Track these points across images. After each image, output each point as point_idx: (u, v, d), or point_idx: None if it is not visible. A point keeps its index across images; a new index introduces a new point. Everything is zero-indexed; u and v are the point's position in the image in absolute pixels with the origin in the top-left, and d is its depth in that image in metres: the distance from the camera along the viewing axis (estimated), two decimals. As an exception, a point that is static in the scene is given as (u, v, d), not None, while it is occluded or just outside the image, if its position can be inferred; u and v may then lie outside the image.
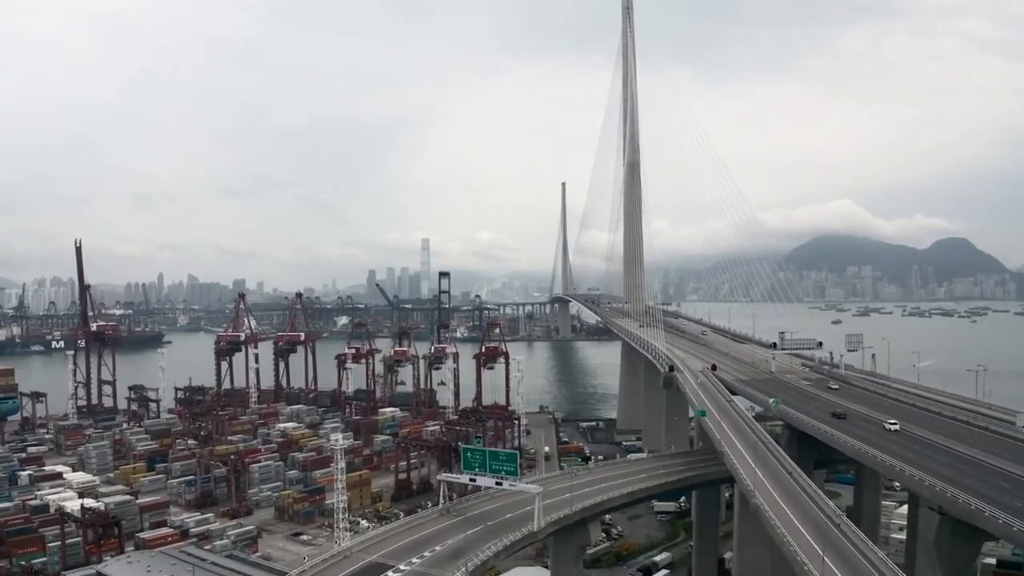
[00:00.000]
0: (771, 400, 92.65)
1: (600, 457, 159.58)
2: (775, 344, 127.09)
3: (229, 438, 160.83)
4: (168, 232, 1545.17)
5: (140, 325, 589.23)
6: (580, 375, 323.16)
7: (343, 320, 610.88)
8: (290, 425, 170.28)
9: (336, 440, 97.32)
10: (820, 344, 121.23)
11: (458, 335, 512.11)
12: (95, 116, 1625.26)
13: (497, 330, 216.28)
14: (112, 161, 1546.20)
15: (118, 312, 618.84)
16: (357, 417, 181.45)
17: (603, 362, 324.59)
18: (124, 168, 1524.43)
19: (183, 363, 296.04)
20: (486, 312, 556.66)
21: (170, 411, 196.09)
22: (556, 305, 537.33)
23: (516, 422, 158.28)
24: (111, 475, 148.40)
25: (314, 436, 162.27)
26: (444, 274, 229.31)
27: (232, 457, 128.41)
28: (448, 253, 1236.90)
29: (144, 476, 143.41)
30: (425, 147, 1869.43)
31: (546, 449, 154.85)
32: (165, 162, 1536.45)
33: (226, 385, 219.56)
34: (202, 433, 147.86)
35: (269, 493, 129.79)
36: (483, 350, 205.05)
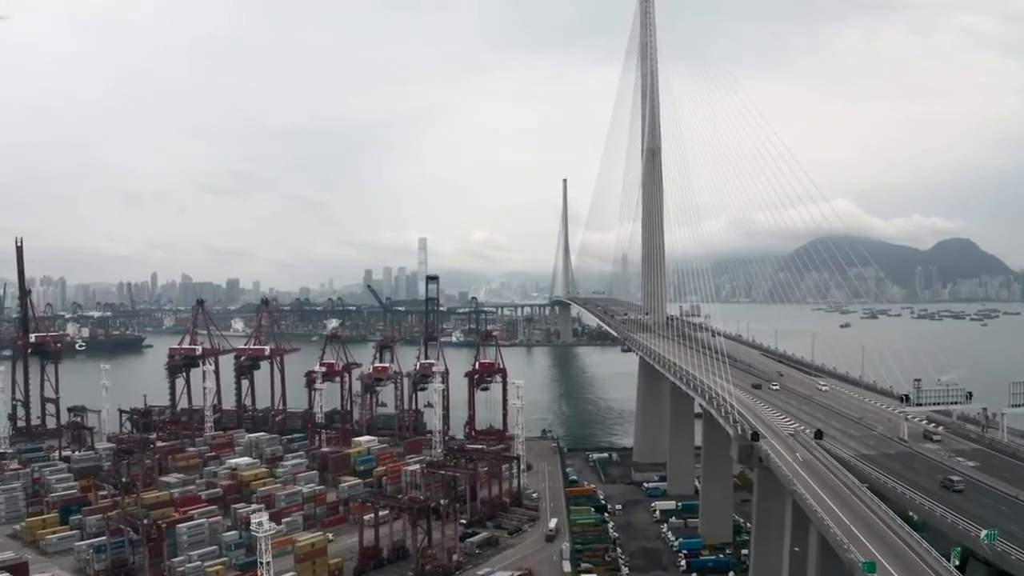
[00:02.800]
0: (982, 534, 52.78)
1: (619, 507, 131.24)
2: (907, 397, 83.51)
3: (165, 479, 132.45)
4: (161, 231, 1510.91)
5: (119, 328, 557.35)
6: (585, 387, 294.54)
7: (333, 323, 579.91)
8: (243, 461, 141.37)
9: (259, 523, 69.26)
10: (970, 396, 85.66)
11: (453, 340, 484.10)
12: (83, 114, 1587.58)
13: (493, 339, 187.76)
14: (102, 159, 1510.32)
15: (96, 315, 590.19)
16: (326, 449, 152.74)
17: (610, 372, 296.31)
18: (114, 166, 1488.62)
19: (149, 375, 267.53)
20: (483, 315, 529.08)
21: (110, 439, 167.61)
22: (556, 307, 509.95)
23: (516, 461, 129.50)
24: (18, 527, 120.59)
25: (270, 476, 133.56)
26: (432, 278, 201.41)
27: (143, 522, 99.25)
28: (442, 253, 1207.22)
29: (53, 532, 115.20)
30: (415, 146, 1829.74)
31: (552, 524, 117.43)
32: (155, 161, 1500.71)
33: (184, 405, 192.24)
34: (123, 478, 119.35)
35: (199, 562, 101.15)
36: (476, 367, 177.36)
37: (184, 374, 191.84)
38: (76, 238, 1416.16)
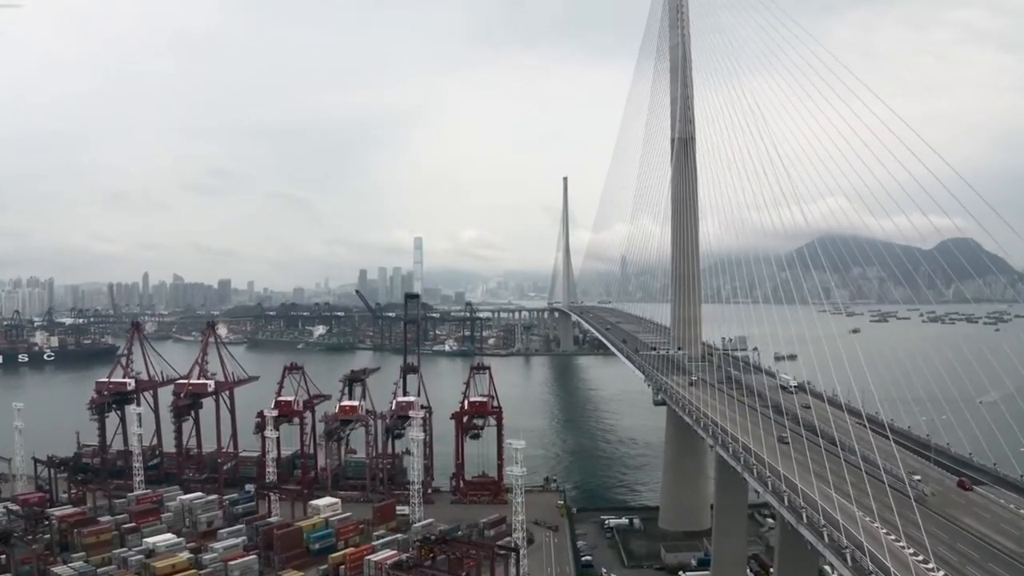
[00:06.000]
0: None
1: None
2: None
3: (58, 571, 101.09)
4: (149, 230, 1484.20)
5: (92, 336, 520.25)
6: (592, 411, 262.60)
7: (320, 330, 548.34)
8: (163, 541, 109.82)
9: None
10: None
11: (446, 349, 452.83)
12: (66, 111, 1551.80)
13: (486, 370, 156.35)
14: (86, 157, 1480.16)
15: (68, 321, 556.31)
16: (273, 520, 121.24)
17: (618, 390, 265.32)
18: (97, 164, 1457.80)
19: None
20: (478, 320, 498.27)
21: (13, 500, 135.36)
22: (556, 312, 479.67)
23: (516, 555, 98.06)
24: None
25: (191, 569, 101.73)
26: (412, 296, 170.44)
27: None
28: (438, 252, 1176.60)
29: None
30: (406, 143, 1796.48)
31: None
32: (138, 158, 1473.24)
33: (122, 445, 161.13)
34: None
35: None
36: (465, 406, 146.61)
37: (119, 411, 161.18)
38: (64, 237, 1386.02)
